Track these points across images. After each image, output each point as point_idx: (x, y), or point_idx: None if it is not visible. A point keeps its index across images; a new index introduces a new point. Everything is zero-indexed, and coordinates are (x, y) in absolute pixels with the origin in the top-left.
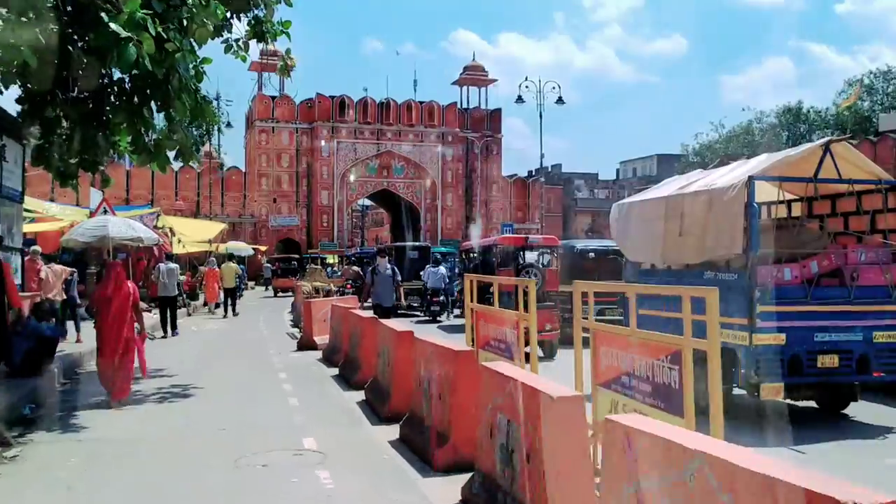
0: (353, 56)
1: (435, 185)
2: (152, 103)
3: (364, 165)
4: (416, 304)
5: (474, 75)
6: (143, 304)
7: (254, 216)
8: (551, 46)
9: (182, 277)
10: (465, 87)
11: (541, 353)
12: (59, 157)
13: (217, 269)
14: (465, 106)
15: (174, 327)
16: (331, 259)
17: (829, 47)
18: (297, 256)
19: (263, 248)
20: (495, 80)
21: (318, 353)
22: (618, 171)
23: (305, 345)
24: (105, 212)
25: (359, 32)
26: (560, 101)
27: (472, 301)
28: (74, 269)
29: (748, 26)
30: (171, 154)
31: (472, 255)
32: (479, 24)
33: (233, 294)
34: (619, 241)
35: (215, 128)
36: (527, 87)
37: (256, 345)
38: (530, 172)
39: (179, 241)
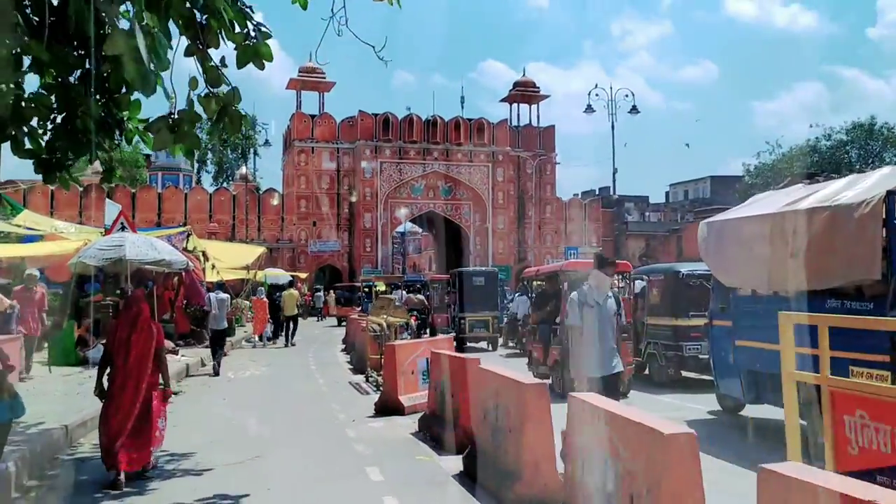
0: (385, 86)
1: (485, 206)
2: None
3: (409, 187)
4: (483, 336)
5: (525, 91)
6: (168, 345)
7: (292, 241)
8: (580, 74)
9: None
10: (514, 105)
11: None
12: (30, 132)
13: (265, 300)
14: (514, 124)
15: (217, 367)
16: (379, 286)
17: (861, 71)
18: (359, 284)
19: (303, 276)
20: (547, 96)
21: (409, 421)
22: (667, 193)
23: (388, 407)
24: (123, 228)
25: (389, 64)
26: (634, 109)
27: (808, 368)
28: (14, 302)
29: (779, 52)
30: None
31: (536, 282)
32: (506, 54)
33: (295, 322)
34: (710, 264)
35: (251, 149)
36: (597, 95)
37: (315, 403)
38: (576, 195)
39: (213, 268)
